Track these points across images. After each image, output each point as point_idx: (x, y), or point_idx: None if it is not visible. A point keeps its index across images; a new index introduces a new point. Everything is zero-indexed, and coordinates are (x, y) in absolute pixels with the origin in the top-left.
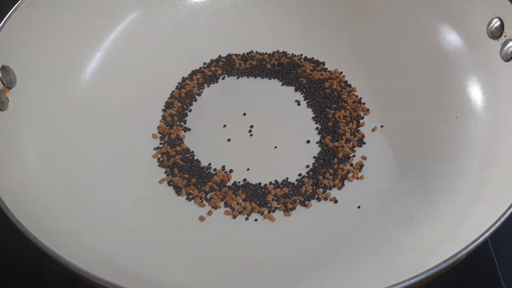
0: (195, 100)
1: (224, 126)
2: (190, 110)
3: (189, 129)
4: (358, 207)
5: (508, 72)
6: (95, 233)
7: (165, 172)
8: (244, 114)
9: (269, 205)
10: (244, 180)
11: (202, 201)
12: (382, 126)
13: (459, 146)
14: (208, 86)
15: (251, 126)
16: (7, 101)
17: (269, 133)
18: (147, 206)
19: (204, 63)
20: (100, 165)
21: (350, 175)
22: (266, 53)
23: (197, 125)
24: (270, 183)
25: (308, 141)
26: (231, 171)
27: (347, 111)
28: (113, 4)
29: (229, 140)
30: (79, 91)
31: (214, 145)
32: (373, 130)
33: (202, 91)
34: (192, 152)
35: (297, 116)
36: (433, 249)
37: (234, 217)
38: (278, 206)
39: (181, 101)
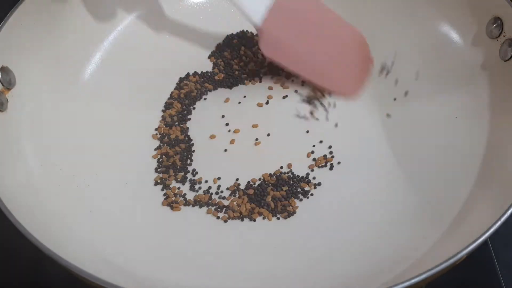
0: (195, 101)
1: (227, 124)
2: (190, 111)
3: (188, 130)
4: (356, 191)
5: (507, 72)
6: (95, 233)
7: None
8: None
9: (268, 206)
10: (243, 182)
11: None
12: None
13: (459, 146)
14: (208, 86)
15: (252, 127)
16: (7, 102)
17: (268, 133)
18: (147, 206)
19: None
20: (100, 166)
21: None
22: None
23: (197, 127)
24: (269, 184)
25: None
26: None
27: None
28: (113, 5)
29: (230, 143)
30: (78, 92)
31: (215, 147)
32: (375, 132)
33: (201, 92)
34: (192, 151)
35: (296, 118)
36: (433, 249)
37: (234, 218)
38: (277, 207)
39: (180, 102)
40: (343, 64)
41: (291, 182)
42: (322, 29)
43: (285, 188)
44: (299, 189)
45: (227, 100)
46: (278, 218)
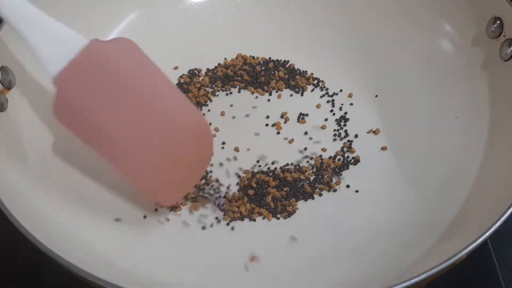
0: (195, 104)
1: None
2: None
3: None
4: (356, 191)
5: (507, 72)
6: (95, 233)
7: None
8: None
9: (268, 206)
10: (244, 182)
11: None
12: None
13: (459, 146)
14: (210, 90)
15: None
16: (7, 102)
17: (271, 133)
18: (147, 207)
19: (208, 69)
20: (100, 166)
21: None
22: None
23: None
24: (270, 185)
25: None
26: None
27: None
28: (113, 5)
29: (232, 143)
30: None
31: (216, 147)
32: (375, 132)
33: (203, 94)
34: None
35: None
36: (433, 249)
37: (234, 218)
38: (277, 207)
39: None
40: (168, 156)
41: (294, 183)
42: (148, 104)
43: (285, 188)
44: (301, 191)
45: (229, 103)
46: (278, 218)
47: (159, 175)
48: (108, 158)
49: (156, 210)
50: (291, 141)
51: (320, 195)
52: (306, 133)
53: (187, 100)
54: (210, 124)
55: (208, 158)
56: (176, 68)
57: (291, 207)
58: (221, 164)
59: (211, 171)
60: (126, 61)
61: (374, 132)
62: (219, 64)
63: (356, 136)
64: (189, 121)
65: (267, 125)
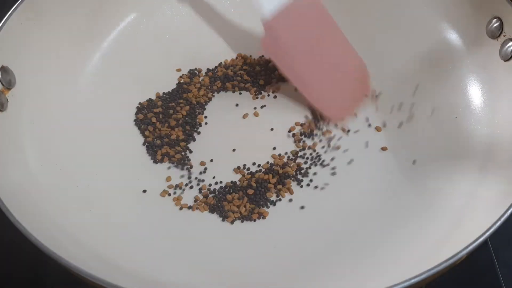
0: (196, 104)
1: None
2: (191, 112)
3: (190, 130)
4: (356, 191)
5: (507, 72)
6: (95, 233)
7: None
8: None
9: (268, 203)
10: (243, 182)
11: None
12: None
13: (458, 146)
14: (210, 92)
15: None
16: (7, 102)
17: (273, 132)
18: (147, 206)
19: (208, 69)
20: (99, 165)
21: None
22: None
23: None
24: (270, 182)
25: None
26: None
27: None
28: (112, 5)
29: (234, 143)
30: (78, 92)
31: (218, 146)
32: (377, 130)
33: (203, 94)
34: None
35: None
36: (433, 249)
37: (234, 218)
38: (278, 197)
39: (188, 104)
40: (337, 86)
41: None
42: (326, 47)
43: (286, 180)
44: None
45: (229, 103)
46: (277, 218)
47: (332, 99)
48: (296, 83)
49: (144, 191)
50: (291, 140)
51: (322, 188)
52: (306, 132)
53: (354, 51)
54: (207, 124)
55: (366, 90)
56: (178, 70)
57: (286, 187)
58: (220, 163)
59: (205, 169)
60: (318, 20)
61: (372, 132)
62: (219, 64)
63: (355, 135)
64: (353, 64)
65: (268, 125)
